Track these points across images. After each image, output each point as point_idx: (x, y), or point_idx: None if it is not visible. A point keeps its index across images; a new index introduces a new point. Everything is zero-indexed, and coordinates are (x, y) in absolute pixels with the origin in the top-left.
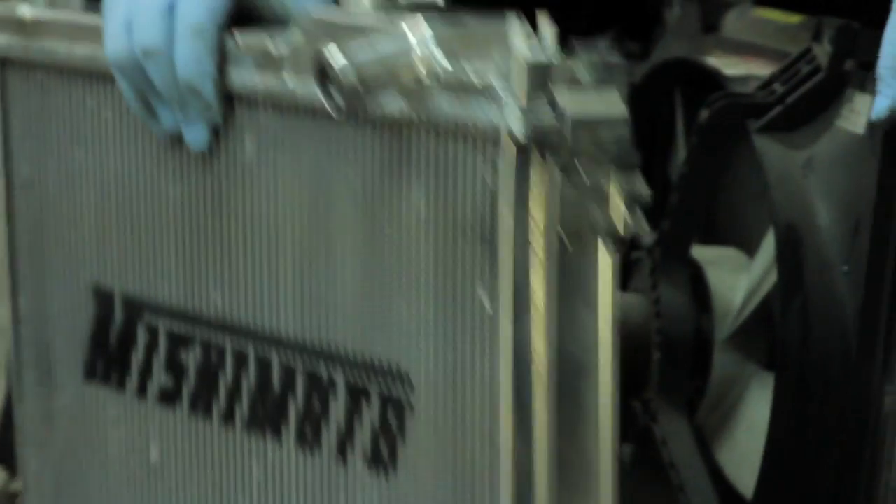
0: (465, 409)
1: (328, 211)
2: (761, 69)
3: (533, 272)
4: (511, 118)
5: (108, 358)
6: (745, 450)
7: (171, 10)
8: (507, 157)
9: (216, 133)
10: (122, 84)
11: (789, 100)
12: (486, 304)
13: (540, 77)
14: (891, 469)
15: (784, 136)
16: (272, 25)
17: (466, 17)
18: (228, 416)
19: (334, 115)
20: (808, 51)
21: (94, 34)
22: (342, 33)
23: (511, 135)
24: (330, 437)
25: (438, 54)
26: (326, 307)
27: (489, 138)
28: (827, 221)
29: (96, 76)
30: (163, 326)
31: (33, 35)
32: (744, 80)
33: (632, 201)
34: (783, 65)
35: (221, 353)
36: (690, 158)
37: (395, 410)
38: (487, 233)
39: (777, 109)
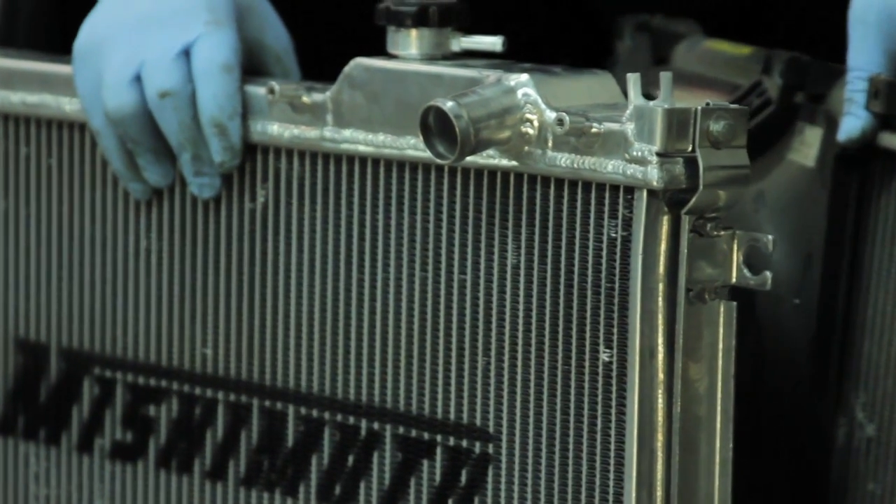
0: (568, 463)
1: (374, 261)
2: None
3: (656, 325)
4: (647, 168)
5: (36, 412)
6: None
7: (184, 54)
8: (640, 208)
9: (226, 180)
10: (108, 141)
11: None
12: (605, 356)
13: (677, 128)
14: (845, 500)
15: None
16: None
17: (554, 69)
18: (217, 472)
19: (439, 161)
20: (758, 84)
21: (35, 81)
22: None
23: (646, 185)
24: (370, 492)
25: (545, 105)
26: (370, 360)
27: (613, 189)
28: (778, 255)
29: (35, 123)
30: (121, 380)
31: None
32: None
33: (751, 257)
34: (734, 98)
35: (210, 407)
36: None
37: (473, 466)
38: (606, 284)
39: None
